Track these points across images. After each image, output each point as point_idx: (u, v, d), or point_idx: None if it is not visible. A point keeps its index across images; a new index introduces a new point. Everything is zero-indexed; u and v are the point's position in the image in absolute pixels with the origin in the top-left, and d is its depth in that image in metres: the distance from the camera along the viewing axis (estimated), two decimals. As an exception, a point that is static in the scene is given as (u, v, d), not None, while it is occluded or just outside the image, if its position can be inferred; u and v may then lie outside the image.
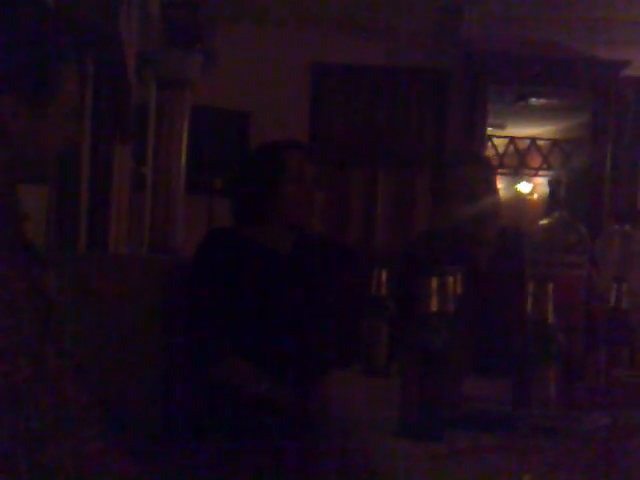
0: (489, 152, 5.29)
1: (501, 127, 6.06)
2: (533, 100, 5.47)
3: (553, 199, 1.49)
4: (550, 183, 1.55)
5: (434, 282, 1.22)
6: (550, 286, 1.16)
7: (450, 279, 1.27)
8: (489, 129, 5.03)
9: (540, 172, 5.85)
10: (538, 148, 5.77)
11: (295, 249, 2.03)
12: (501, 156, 5.58)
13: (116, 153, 2.73)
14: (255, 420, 1.75)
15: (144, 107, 3.39)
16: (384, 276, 1.54)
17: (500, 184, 6.06)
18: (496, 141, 5.56)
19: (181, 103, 3.68)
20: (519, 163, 5.73)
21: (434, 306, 1.20)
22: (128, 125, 2.87)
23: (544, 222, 1.48)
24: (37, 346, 1.02)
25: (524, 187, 6.99)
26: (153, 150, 3.55)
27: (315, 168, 2.03)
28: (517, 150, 5.75)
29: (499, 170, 5.55)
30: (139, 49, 3.07)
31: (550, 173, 5.54)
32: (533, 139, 5.80)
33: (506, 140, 5.69)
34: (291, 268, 2.00)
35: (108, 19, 2.35)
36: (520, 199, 6.85)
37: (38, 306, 1.04)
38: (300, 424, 1.64)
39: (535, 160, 5.79)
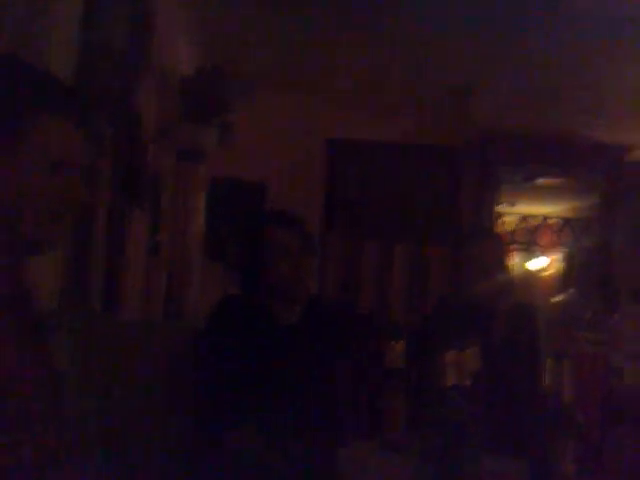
0: (500, 228, 5.33)
1: (512, 204, 6.12)
2: (542, 180, 5.54)
3: (567, 276, 1.51)
4: (564, 260, 1.56)
5: (451, 356, 1.22)
6: (567, 363, 1.15)
7: (467, 353, 1.27)
8: (500, 206, 5.09)
9: (552, 249, 5.86)
10: (549, 226, 5.80)
11: (303, 320, 2.03)
12: (512, 233, 5.61)
13: (132, 219, 2.77)
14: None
15: (160, 177, 3.45)
16: (401, 348, 1.54)
17: (513, 260, 6.09)
18: (507, 218, 5.60)
19: (198, 173, 3.75)
20: (530, 240, 5.75)
21: (451, 380, 1.20)
22: (144, 193, 2.92)
23: (559, 298, 1.49)
24: (41, 427, 0.97)
25: (537, 263, 7.00)
26: (169, 219, 3.60)
27: (305, 237, 2.04)
28: (528, 227, 5.78)
29: (512, 246, 5.58)
30: (157, 119, 3.15)
31: (562, 250, 5.55)
32: (544, 217, 5.84)
33: (517, 217, 5.74)
34: (297, 340, 1.99)
35: (128, 91, 2.43)
36: (533, 275, 6.85)
37: (43, 380, 1.01)
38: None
39: (547, 237, 5.81)
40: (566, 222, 5.75)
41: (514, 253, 6.14)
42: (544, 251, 6.19)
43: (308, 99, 4.64)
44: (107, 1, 2.20)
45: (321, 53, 4.10)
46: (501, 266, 2.11)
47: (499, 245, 2.23)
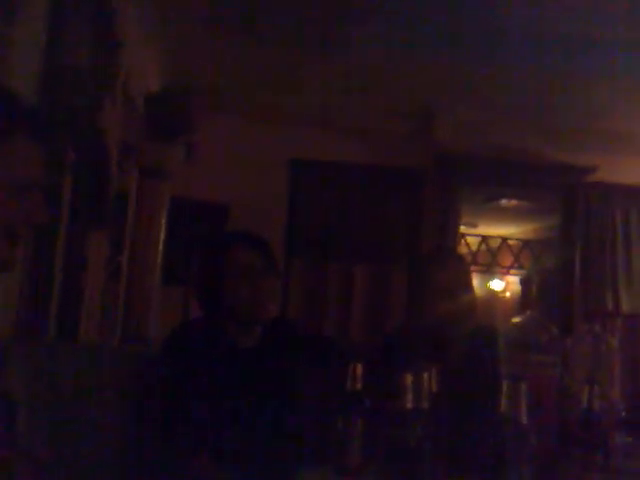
0: (462, 249, 5.39)
1: (473, 226, 6.20)
2: (504, 202, 5.63)
3: (525, 298, 1.53)
4: (522, 282, 1.58)
5: (409, 379, 1.23)
6: (523, 386, 1.17)
7: (425, 376, 1.28)
8: (462, 227, 5.14)
9: (512, 271, 5.94)
10: (509, 247, 5.88)
11: (261, 343, 2.02)
12: (474, 254, 5.68)
13: (92, 240, 2.74)
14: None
15: (123, 195, 3.42)
16: (359, 371, 1.54)
17: (473, 281, 6.15)
18: (469, 239, 5.67)
19: (160, 193, 3.73)
20: (491, 261, 5.82)
21: (409, 403, 1.21)
22: (106, 213, 2.89)
23: (516, 320, 1.51)
24: None
25: (496, 285, 7.08)
26: (130, 239, 3.56)
27: (267, 258, 2.03)
28: (489, 248, 5.86)
29: (472, 267, 5.64)
30: (121, 138, 3.13)
31: (521, 272, 5.63)
32: (504, 238, 5.93)
33: (478, 239, 5.81)
34: (254, 363, 1.97)
35: (92, 111, 2.41)
36: (492, 296, 6.93)
37: None
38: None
39: (507, 259, 5.89)
40: (525, 244, 5.83)
41: (475, 274, 6.22)
42: (504, 273, 6.27)
43: (271, 120, 4.66)
44: (72, 21, 2.19)
45: (285, 74, 4.13)
46: (464, 287, 2.12)
47: (462, 265, 2.25)
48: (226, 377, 1.91)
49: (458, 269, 2.17)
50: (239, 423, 1.88)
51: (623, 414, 2.01)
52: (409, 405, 1.20)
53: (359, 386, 1.53)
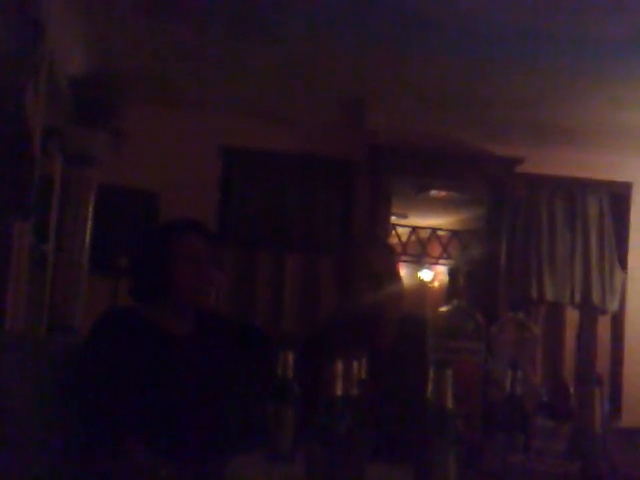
0: (393, 240, 5.46)
1: (404, 216, 6.29)
2: (434, 192, 5.73)
3: (452, 288, 1.56)
4: (449, 272, 1.62)
5: (339, 366, 1.24)
6: (449, 372, 1.19)
7: (355, 364, 1.29)
8: (393, 218, 5.21)
9: (440, 261, 6.05)
10: (438, 238, 5.99)
11: (194, 331, 2.02)
12: (404, 244, 5.76)
13: (15, 229, 2.66)
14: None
15: (48, 182, 3.32)
16: (290, 359, 1.55)
17: (403, 271, 6.25)
18: (399, 230, 5.75)
19: (87, 180, 3.64)
20: (421, 252, 5.92)
21: (339, 390, 1.22)
22: (30, 200, 2.81)
23: (443, 309, 1.54)
24: None
25: (426, 275, 7.21)
26: (56, 227, 3.47)
27: (214, 250, 2.04)
28: (419, 239, 5.95)
29: (403, 258, 5.72)
30: (45, 122, 3.04)
31: (450, 262, 5.74)
32: (434, 229, 6.03)
33: (409, 229, 5.89)
34: (187, 350, 1.97)
35: (14, 91, 2.34)
36: (422, 286, 7.06)
37: None
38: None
39: (436, 249, 6.00)
40: (454, 234, 5.95)
41: (405, 265, 6.31)
42: (433, 263, 6.39)
43: (202, 107, 4.61)
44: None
45: (215, 60, 4.08)
46: (390, 273, 2.15)
47: (387, 252, 2.27)
48: (160, 363, 1.90)
49: (384, 254, 2.20)
50: (173, 411, 1.86)
51: (544, 398, 2.08)
52: (338, 392, 1.21)
53: (290, 374, 1.54)
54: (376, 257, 2.14)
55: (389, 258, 2.21)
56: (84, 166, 3.58)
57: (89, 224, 3.59)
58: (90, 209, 3.60)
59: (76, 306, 3.47)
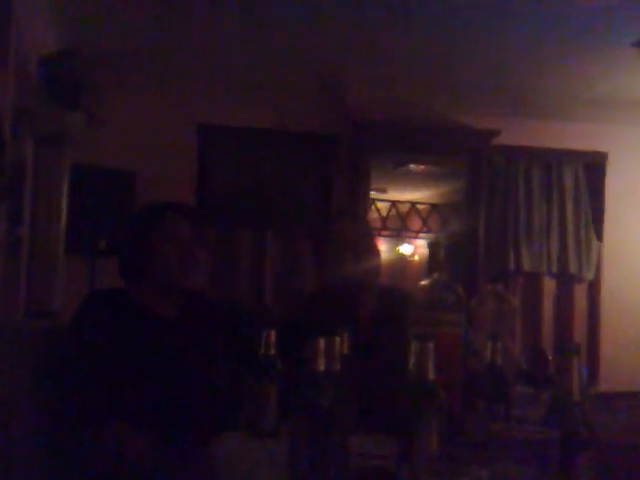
0: (373, 215, 5.47)
1: (383, 191, 6.29)
2: (413, 166, 5.73)
3: (432, 261, 1.57)
4: (429, 246, 1.63)
5: (321, 343, 1.25)
6: (431, 344, 1.20)
7: (337, 339, 1.30)
8: (372, 193, 5.21)
9: (420, 235, 6.08)
10: (418, 212, 6.01)
11: (181, 312, 2.02)
12: (384, 219, 5.77)
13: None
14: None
15: (20, 164, 3.27)
16: (273, 336, 1.55)
17: (383, 246, 6.28)
18: (379, 205, 5.76)
19: (60, 160, 3.58)
20: (401, 226, 5.94)
21: (321, 366, 1.23)
22: (2, 184, 2.77)
23: (424, 283, 1.55)
24: None
25: (406, 249, 7.25)
26: (30, 210, 3.42)
27: (197, 230, 2.03)
28: (399, 213, 5.96)
29: (382, 232, 5.73)
30: (15, 102, 2.99)
31: (430, 236, 5.77)
32: (413, 203, 6.05)
33: (388, 204, 5.90)
34: (173, 331, 1.97)
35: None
36: (402, 260, 7.09)
37: None
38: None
39: (415, 223, 6.02)
40: (434, 207, 5.97)
41: (386, 239, 6.34)
42: (413, 237, 6.41)
43: (178, 84, 4.56)
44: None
45: (192, 37, 4.04)
46: (367, 246, 2.15)
47: (362, 224, 2.28)
48: (146, 344, 1.89)
49: (359, 225, 2.21)
50: (159, 390, 1.87)
51: (523, 367, 2.12)
52: (321, 368, 1.22)
53: (273, 352, 1.55)
54: (352, 229, 2.15)
55: (365, 230, 2.22)
56: (57, 146, 3.52)
57: (64, 205, 3.55)
58: (64, 190, 3.55)
59: (53, 290, 3.44)
